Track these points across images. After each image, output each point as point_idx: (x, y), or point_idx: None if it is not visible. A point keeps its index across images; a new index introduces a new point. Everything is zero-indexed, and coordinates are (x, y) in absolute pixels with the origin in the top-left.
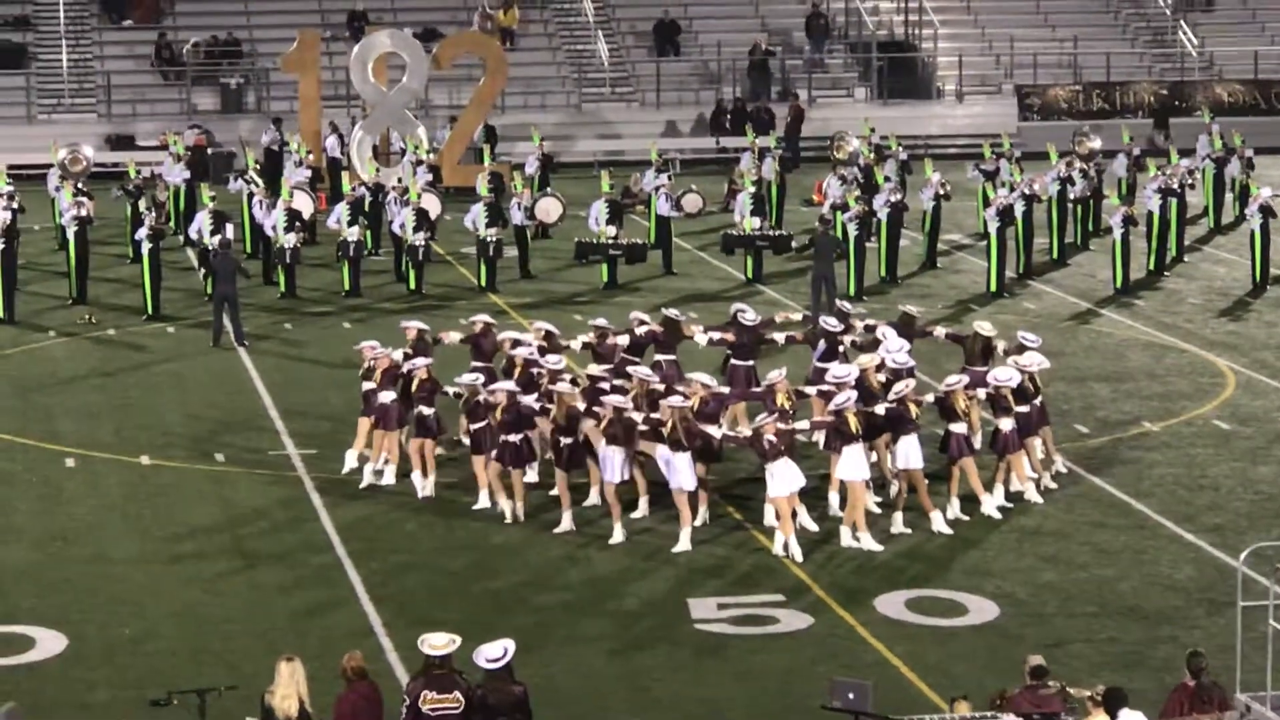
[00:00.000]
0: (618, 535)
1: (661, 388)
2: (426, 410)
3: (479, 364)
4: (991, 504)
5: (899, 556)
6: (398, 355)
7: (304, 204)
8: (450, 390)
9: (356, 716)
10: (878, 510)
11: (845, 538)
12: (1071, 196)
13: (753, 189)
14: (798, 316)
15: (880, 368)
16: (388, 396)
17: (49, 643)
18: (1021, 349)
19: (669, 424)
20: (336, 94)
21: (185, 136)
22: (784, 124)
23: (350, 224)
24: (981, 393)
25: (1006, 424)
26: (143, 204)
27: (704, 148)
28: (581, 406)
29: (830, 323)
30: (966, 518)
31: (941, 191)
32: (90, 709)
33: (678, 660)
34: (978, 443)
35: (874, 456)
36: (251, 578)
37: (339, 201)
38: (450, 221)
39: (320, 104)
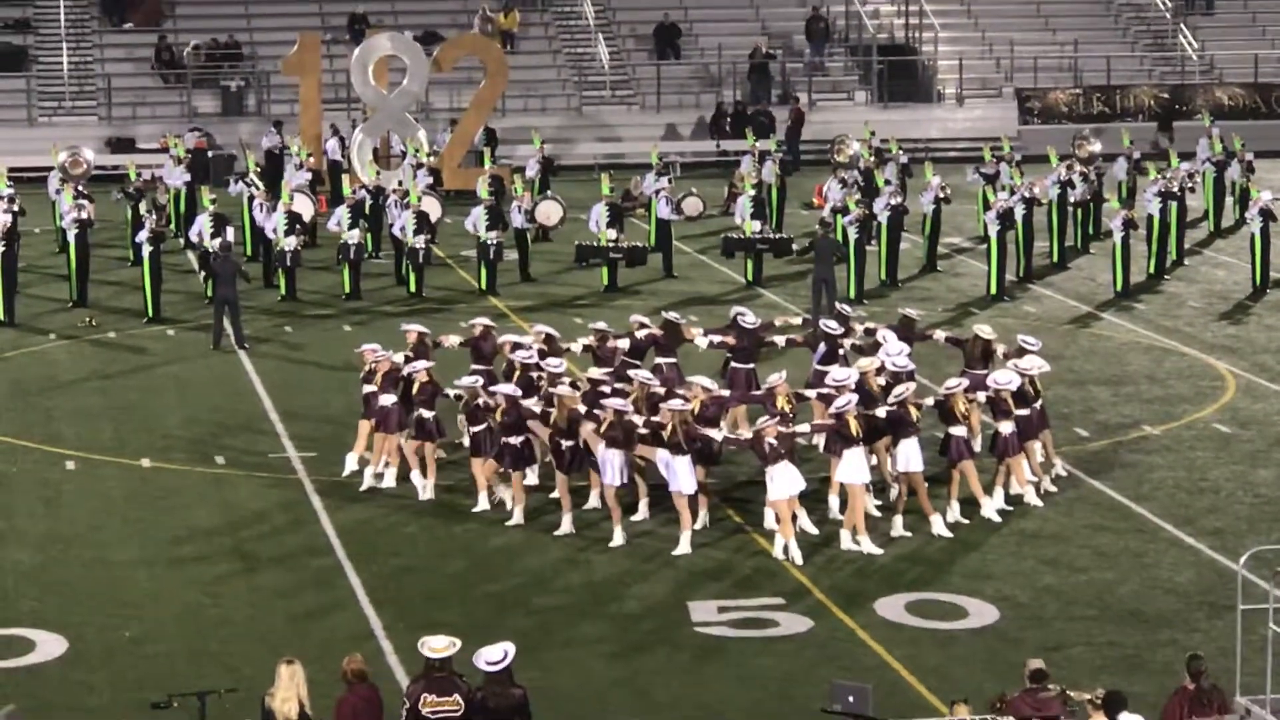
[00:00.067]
0: (618, 538)
1: (662, 391)
2: (427, 413)
3: (479, 367)
4: (991, 507)
5: (899, 560)
6: (399, 358)
7: (304, 207)
8: (451, 392)
9: (357, 719)
10: (878, 513)
11: (845, 541)
12: (1072, 200)
13: (753, 192)
14: (798, 320)
15: (880, 371)
16: (388, 399)
17: (49, 645)
18: (1021, 352)
19: (669, 427)
20: (337, 97)
21: (186, 139)
22: (784, 127)
23: (351, 227)
24: (981, 396)
25: (1006, 427)
26: (143, 207)
27: (704, 151)
28: (582, 409)
29: (830, 326)
30: (966, 521)
31: (942, 195)
32: (90, 711)
33: (678, 663)
34: (977, 446)
35: (874, 460)
36: (252, 580)
37: (339, 204)
38: (451, 224)
39: (321, 107)
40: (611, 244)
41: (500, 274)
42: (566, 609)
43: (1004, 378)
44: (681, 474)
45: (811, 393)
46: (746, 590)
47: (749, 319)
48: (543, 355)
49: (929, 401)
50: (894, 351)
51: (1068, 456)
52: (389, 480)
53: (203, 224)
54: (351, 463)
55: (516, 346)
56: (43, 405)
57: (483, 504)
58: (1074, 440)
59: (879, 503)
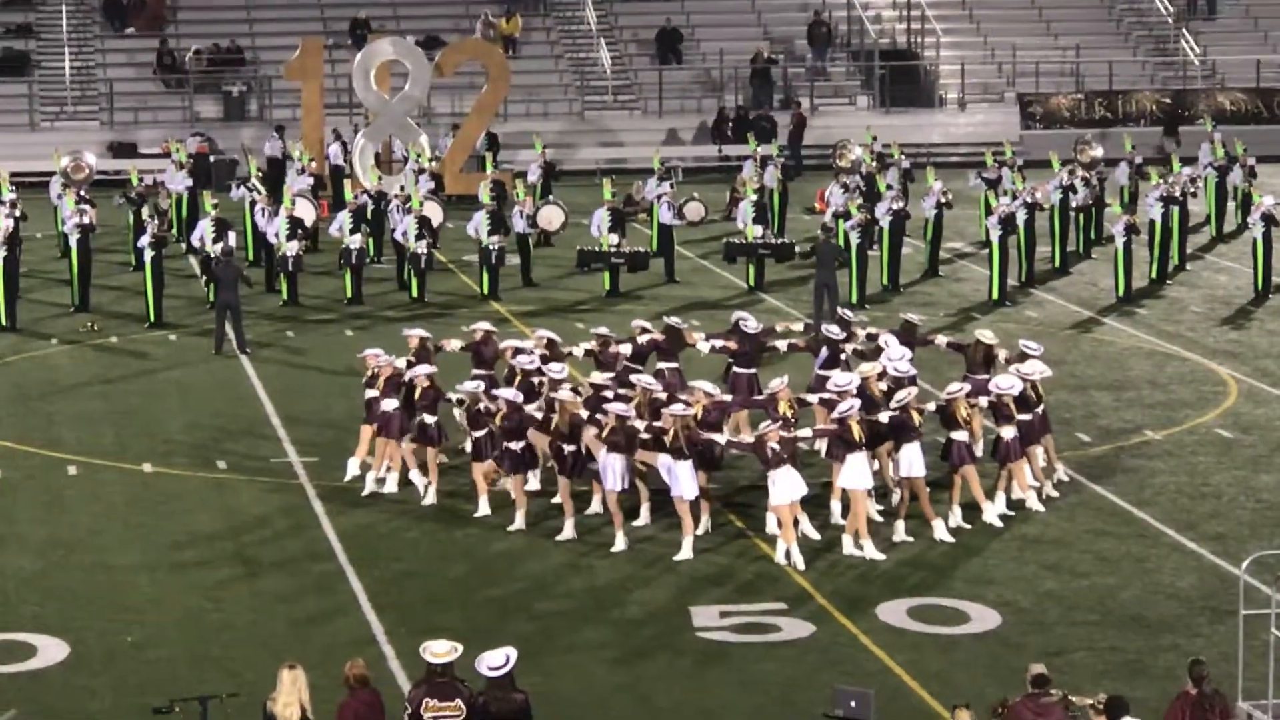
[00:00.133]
0: (620, 543)
1: (664, 396)
2: (429, 418)
3: (479, 371)
4: (993, 512)
5: (901, 565)
6: (401, 363)
7: (306, 212)
8: (452, 397)
9: None
10: (879, 519)
11: (847, 546)
12: (1073, 205)
13: (755, 197)
14: (799, 326)
15: (882, 376)
16: (390, 404)
17: (51, 650)
18: (1023, 357)
19: (671, 432)
20: (339, 102)
21: (188, 144)
22: (786, 132)
23: (352, 232)
24: (983, 401)
25: (1008, 432)
26: (145, 212)
27: (706, 156)
28: (584, 415)
29: (832, 331)
30: (968, 526)
31: (943, 199)
32: (92, 716)
33: (679, 668)
34: (979, 451)
35: (875, 465)
36: (253, 585)
37: (341, 209)
38: (452, 229)
39: (323, 112)
40: (613, 249)
41: (502, 279)
42: (568, 614)
43: (1006, 382)
44: (683, 479)
45: (813, 398)
46: (748, 595)
47: (750, 324)
48: (545, 360)
49: (931, 406)
50: (896, 356)
51: (1069, 461)
52: (391, 485)
53: (204, 229)
54: (353, 468)
55: (518, 352)
56: (44, 410)
57: (484, 509)
58: (1076, 445)
59: (881, 508)
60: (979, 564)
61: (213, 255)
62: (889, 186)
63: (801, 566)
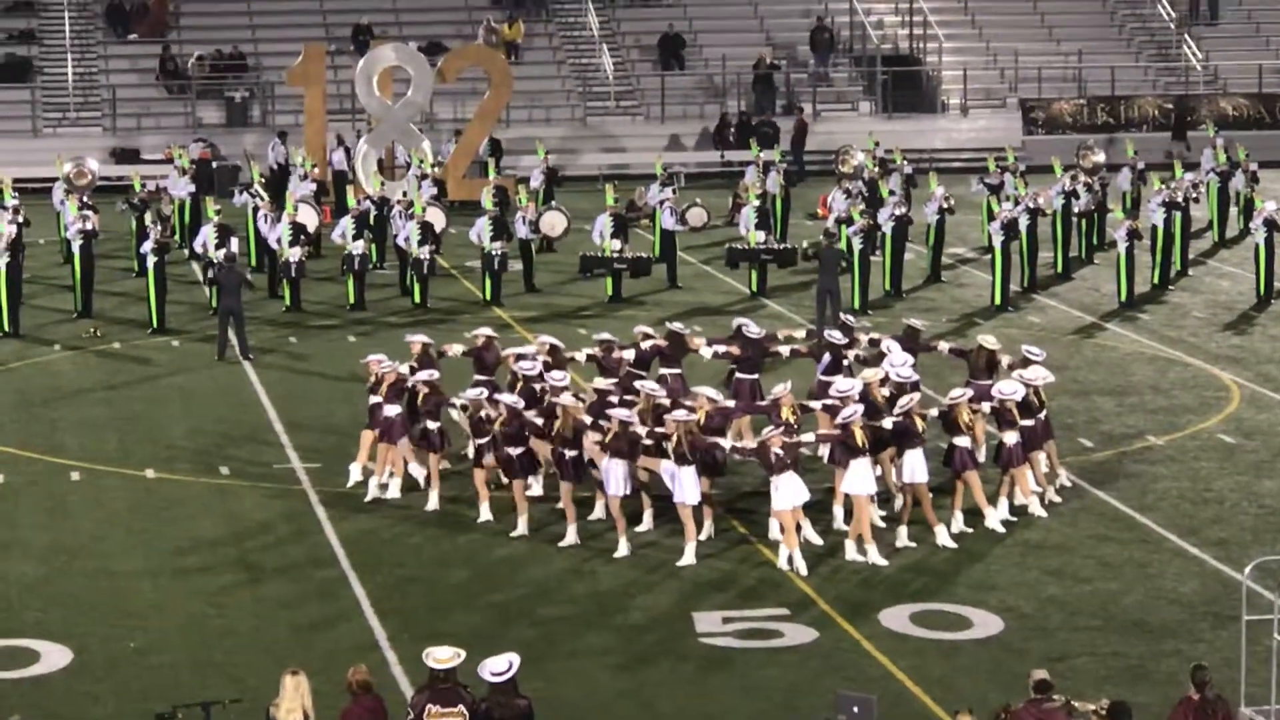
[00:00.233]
0: (622, 549)
1: (667, 402)
2: (432, 424)
3: (481, 377)
4: (995, 518)
5: (903, 570)
6: (404, 369)
7: (309, 218)
8: (456, 403)
9: None
10: (882, 524)
11: (850, 551)
12: (1076, 210)
13: (757, 202)
14: (801, 332)
15: (885, 381)
16: (393, 410)
17: (54, 656)
18: (1026, 362)
19: (674, 438)
20: (341, 108)
21: (190, 150)
22: (789, 137)
23: (355, 237)
24: (986, 406)
25: (1011, 438)
26: (148, 217)
27: (709, 161)
28: (587, 420)
29: (835, 336)
30: (970, 531)
31: (946, 205)
32: None
33: (682, 674)
34: (982, 456)
35: (878, 470)
36: (256, 591)
37: (344, 215)
38: (455, 235)
39: (325, 118)
40: (616, 255)
41: (505, 285)
42: (571, 620)
43: (1008, 388)
44: (686, 485)
45: (816, 403)
46: (751, 601)
47: (753, 329)
48: (548, 366)
49: (933, 412)
50: (898, 362)
51: (1072, 467)
52: (393, 491)
53: (207, 235)
54: (356, 473)
55: (520, 358)
56: (47, 416)
57: (486, 515)
58: (1078, 450)
59: (884, 513)
60: (981, 569)
61: (215, 261)
62: (891, 192)
63: (804, 572)
